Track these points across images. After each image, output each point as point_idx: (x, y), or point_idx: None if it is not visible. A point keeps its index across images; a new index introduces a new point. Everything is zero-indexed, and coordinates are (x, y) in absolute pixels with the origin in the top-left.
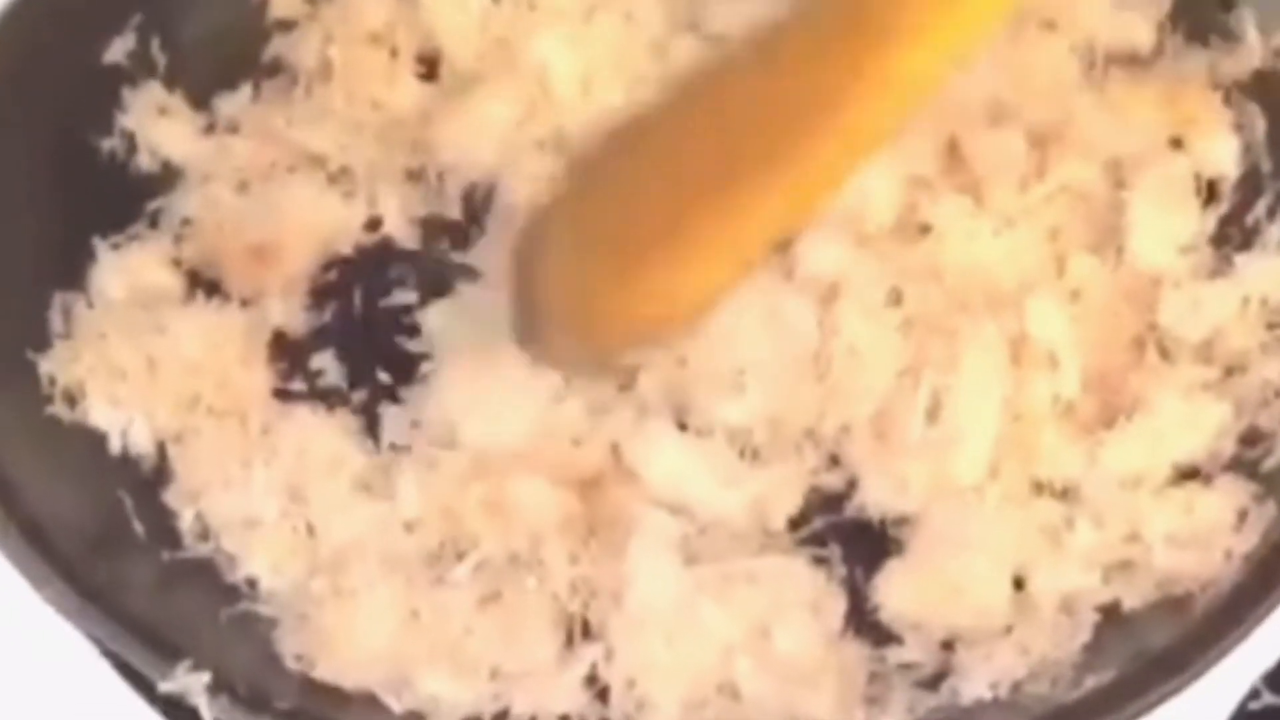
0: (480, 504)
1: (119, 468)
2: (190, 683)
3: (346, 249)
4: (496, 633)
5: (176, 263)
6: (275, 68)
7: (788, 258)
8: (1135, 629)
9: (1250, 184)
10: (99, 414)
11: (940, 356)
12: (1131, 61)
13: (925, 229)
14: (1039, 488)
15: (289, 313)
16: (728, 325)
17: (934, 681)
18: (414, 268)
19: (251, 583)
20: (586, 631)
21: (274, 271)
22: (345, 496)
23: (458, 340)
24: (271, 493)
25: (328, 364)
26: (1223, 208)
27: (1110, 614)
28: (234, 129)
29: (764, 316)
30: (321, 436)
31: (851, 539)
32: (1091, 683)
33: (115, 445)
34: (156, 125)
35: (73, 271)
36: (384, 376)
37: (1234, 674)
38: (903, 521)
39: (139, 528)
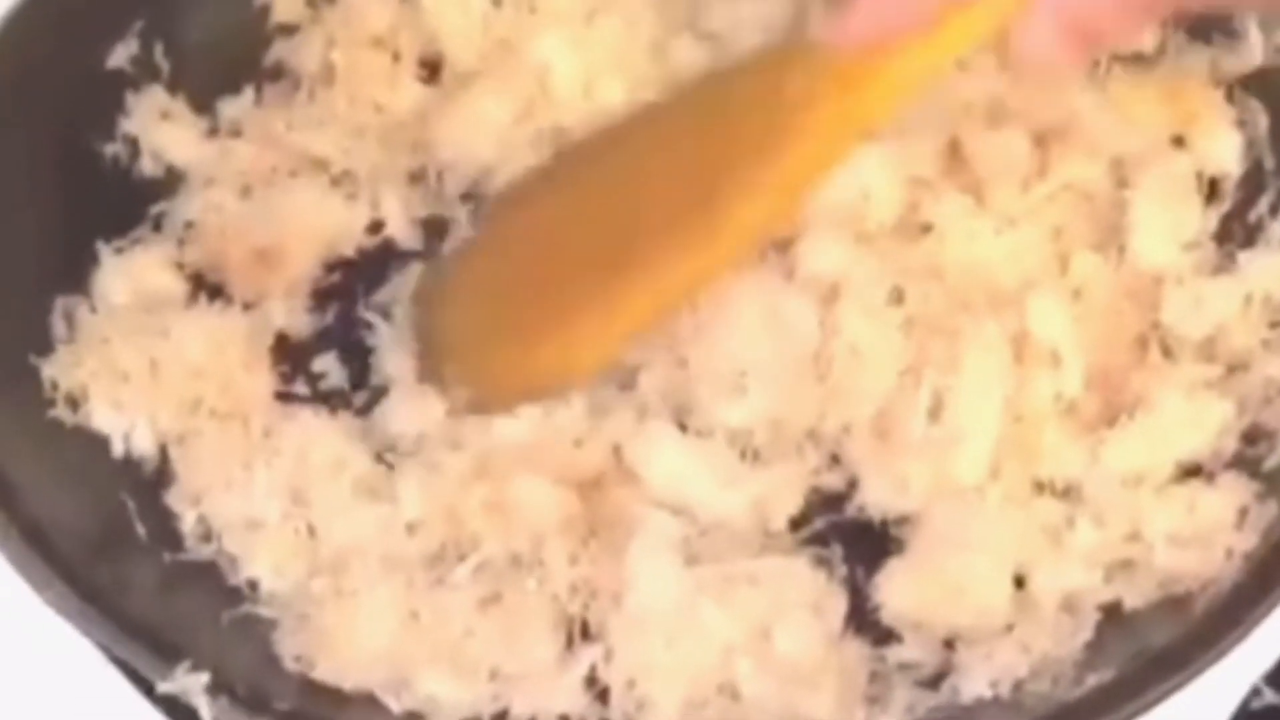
0: (481, 505)
1: (121, 470)
2: (190, 683)
3: (349, 251)
4: (497, 634)
5: (179, 266)
6: (278, 71)
7: (788, 257)
8: (1136, 628)
9: (1253, 181)
10: (101, 417)
11: (941, 356)
12: (1133, 59)
13: (927, 228)
14: (1040, 487)
15: (291, 315)
16: (728, 325)
17: (935, 681)
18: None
19: (253, 584)
20: (587, 632)
21: (276, 274)
22: (347, 498)
23: None
24: (273, 495)
25: (330, 366)
26: (1225, 205)
27: (1111, 613)
28: (236, 133)
29: (765, 316)
30: (323, 439)
31: (852, 539)
32: (1093, 681)
33: (117, 448)
34: (159, 129)
35: (75, 275)
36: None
37: (1235, 672)
38: (904, 521)
39: (141, 530)
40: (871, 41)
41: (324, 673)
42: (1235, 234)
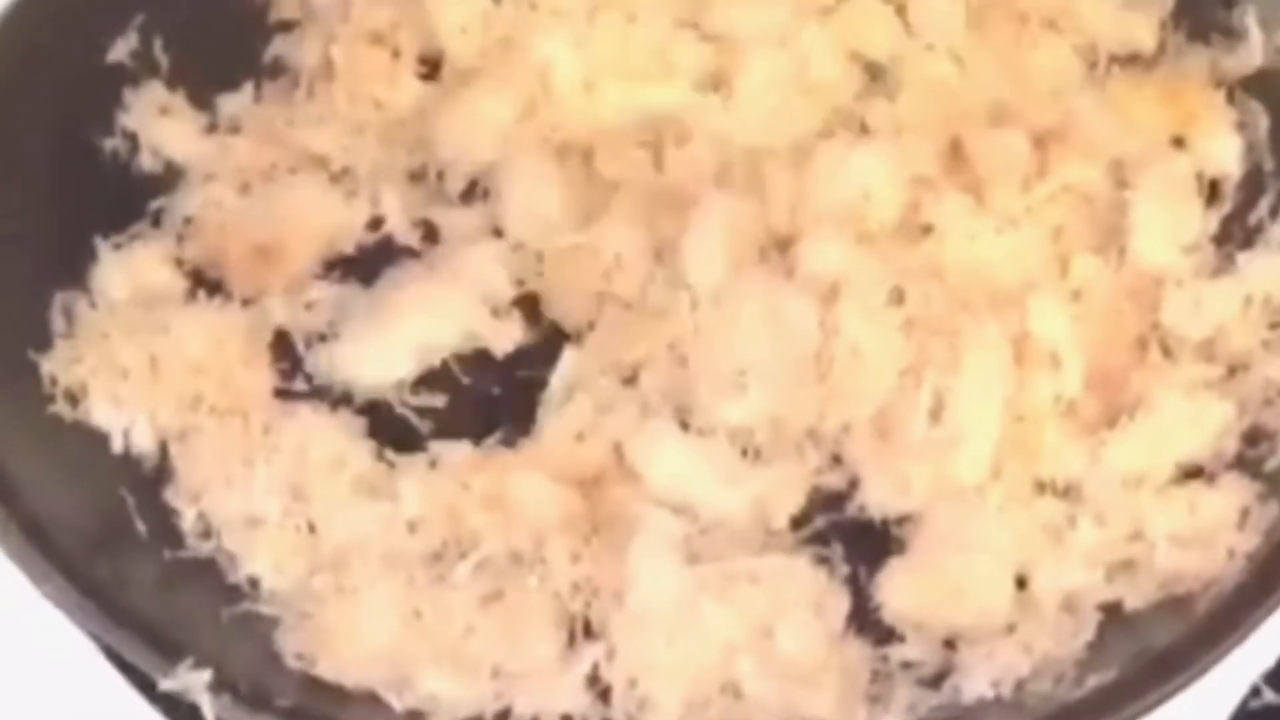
0: (482, 501)
1: (121, 467)
2: (191, 681)
3: (348, 248)
4: (498, 632)
5: (179, 262)
6: (277, 68)
7: (788, 257)
8: (1138, 628)
9: (1253, 183)
10: (101, 413)
11: (942, 356)
12: (1134, 61)
13: (927, 228)
14: (1041, 487)
15: (291, 312)
16: (729, 325)
17: (936, 680)
18: None
19: (253, 581)
20: (588, 631)
21: (276, 271)
22: (347, 495)
23: None
24: (273, 492)
25: None
26: (1225, 206)
27: (1112, 613)
28: (236, 129)
29: (765, 316)
30: (323, 436)
31: (853, 538)
32: (1094, 681)
33: (117, 444)
34: (158, 125)
35: (74, 271)
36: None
37: (1236, 672)
38: (905, 521)
39: (141, 526)
40: None
41: (325, 670)
42: (1235, 235)
